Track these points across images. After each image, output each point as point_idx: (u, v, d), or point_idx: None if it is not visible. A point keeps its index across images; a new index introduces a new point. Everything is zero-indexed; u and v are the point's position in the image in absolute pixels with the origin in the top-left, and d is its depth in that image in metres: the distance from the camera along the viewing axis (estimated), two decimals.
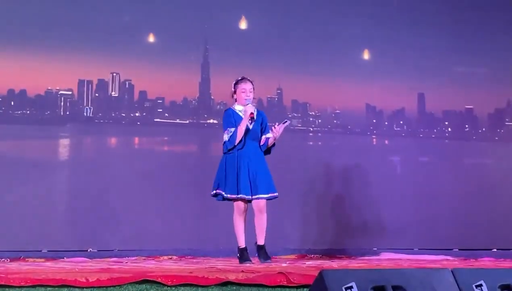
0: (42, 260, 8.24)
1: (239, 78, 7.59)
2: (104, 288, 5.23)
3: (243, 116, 7.40)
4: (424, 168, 9.42)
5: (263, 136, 7.52)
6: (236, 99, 7.53)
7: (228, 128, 7.41)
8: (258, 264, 7.19)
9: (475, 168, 9.43)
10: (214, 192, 7.45)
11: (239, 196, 7.34)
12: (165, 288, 5.29)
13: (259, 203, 7.38)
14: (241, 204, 7.39)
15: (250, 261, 7.34)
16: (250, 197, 7.34)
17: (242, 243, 7.43)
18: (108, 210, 8.98)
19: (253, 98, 7.56)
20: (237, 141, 7.37)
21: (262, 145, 7.52)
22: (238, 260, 7.42)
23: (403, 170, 9.44)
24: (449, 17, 9.67)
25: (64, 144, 9.10)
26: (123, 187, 9.09)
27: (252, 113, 7.39)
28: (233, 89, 7.54)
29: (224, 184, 7.38)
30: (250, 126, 7.44)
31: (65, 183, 9.03)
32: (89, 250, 8.84)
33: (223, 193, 7.38)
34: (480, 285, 4.74)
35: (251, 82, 7.52)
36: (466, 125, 9.85)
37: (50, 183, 8.93)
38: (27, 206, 8.82)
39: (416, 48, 9.63)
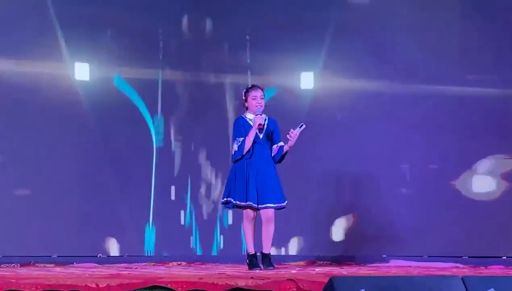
0: (52, 265, 8.27)
1: (249, 86, 7.58)
2: None
3: (253, 125, 7.40)
4: (434, 175, 9.39)
5: (275, 146, 7.48)
6: (247, 107, 7.51)
7: (237, 138, 7.40)
8: (267, 270, 7.19)
9: (485, 175, 9.39)
10: (225, 199, 7.44)
11: (247, 203, 7.33)
12: None
13: (267, 212, 7.38)
14: (250, 212, 7.39)
15: (260, 267, 7.33)
16: (257, 205, 7.34)
17: (251, 250, 7.43)
18: (117, 215, 9.01)
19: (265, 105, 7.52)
20: (245, 151, 7.36)
21: (276, 154, 7.48)
22: (247, 267, 7.42)
23: (412, 176, 9.42)
24: None
25: (72, 148, 9.11)
26: (130, 191, 9.12)
27: (260, 124, 7.36)
28: (243, 98, 7.50)
29: (234, 191, 7.37)
30: (260, 136, 7.42)
31: (75, 187, 9.04)
32: (98, 256, 8.86)
33: (233, 200, 7.38)
34: None
35: (262, 89, 7.51)
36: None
37: (59, 188, 8.95)
38: (37, 211, 8.85)
39: None
